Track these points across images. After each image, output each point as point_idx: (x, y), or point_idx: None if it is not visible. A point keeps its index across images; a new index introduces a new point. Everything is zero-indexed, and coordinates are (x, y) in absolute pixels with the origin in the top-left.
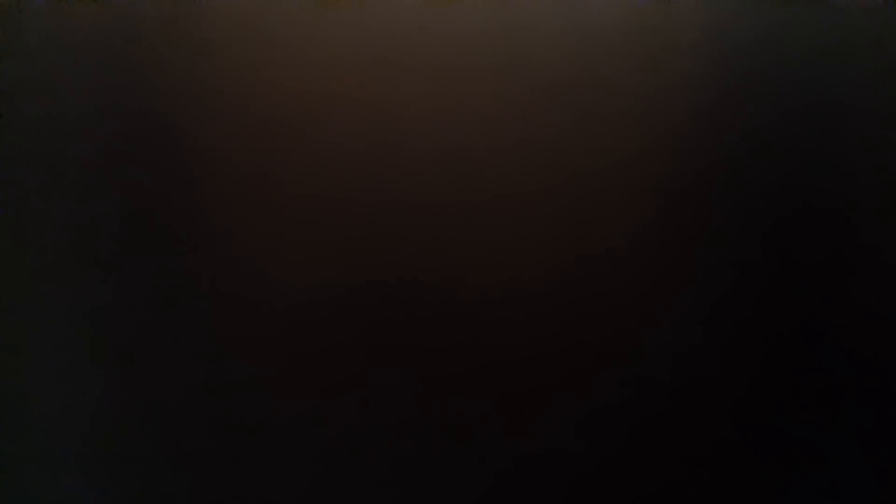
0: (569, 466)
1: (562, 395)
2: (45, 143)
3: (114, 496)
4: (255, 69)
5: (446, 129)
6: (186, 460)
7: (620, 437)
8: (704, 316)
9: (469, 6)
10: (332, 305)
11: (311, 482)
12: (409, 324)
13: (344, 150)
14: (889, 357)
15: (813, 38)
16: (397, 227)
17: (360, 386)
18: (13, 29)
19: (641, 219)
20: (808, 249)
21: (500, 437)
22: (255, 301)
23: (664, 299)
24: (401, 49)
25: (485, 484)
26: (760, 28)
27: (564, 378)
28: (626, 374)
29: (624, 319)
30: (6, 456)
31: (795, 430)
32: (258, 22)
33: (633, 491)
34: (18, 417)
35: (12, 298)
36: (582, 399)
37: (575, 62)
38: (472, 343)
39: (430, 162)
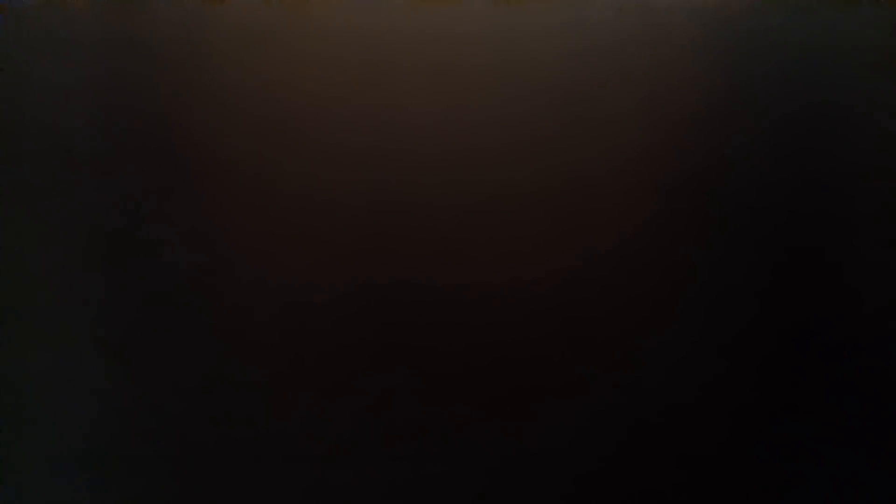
0: (568, 467)
1: (561, 396)
2: (45, 143)
3: (114, 496)
4: (256, 69)
5: (446, 130)
6: (186, 460)
7: (619, 437)
8: (703, 317)
9: (469, 6)
10: (331, 306)
11: (310, 482)
12: (407, 324)
13: (344, 151)
14: (889, 357)
15: (812, 38)
16: (397, 227)
17: (360, 386)
18: (13, 29)
19: (641, 219)
20: (807, 251)
21: (499, 438)
22: (255, 301)
23: (663, 300)
24: (401, 50)
25: (483, 483)
26: (760, 29)
27: (563, 378)
28: (625, 375)
29: (623, 320)
30: (6, 456)
31: (794, 432)
32: (259, 23)
33: (631, 491)
34: (18, 417)
35: (12, 299)
36: (581, 399)
37: (575, 62)
38: (471, 343)
39: (429, 162)
